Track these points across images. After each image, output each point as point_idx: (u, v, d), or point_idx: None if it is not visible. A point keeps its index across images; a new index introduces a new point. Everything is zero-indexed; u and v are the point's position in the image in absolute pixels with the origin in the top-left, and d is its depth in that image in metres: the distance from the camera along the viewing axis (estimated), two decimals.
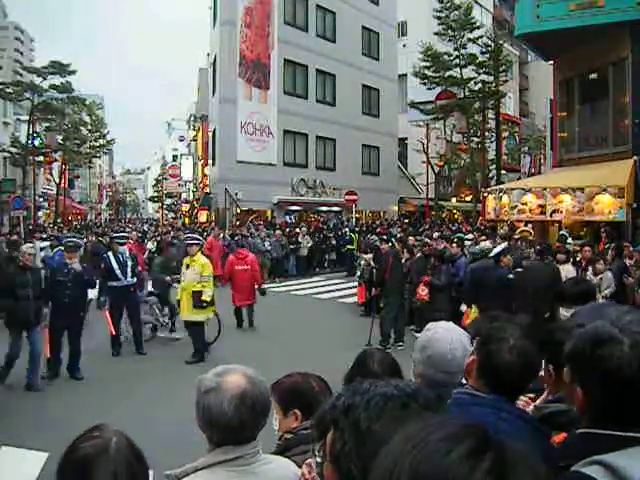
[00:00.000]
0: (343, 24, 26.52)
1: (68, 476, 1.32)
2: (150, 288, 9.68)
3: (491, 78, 24.36)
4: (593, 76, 13.09)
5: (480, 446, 0.63)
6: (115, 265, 8.15)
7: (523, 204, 11.92)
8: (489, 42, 24.70)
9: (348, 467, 0.89)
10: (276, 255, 16.87)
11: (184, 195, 44.86)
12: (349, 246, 18.62)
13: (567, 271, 7.53)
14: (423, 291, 8.85)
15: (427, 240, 10.79)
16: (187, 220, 35.75)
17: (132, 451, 1.36)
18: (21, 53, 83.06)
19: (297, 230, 19.40)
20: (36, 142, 28.57)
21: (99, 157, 44.26)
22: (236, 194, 22.31)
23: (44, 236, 15.31)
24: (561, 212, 11.32)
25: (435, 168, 27.98)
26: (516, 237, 10.84)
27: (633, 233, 10.88)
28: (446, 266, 9.11)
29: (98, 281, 7.96)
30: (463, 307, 8.09)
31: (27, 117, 29.05)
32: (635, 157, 11.04)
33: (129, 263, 8.25)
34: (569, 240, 10.70)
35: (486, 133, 25.48)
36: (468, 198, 29.28)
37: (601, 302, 5.20)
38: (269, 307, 10.68)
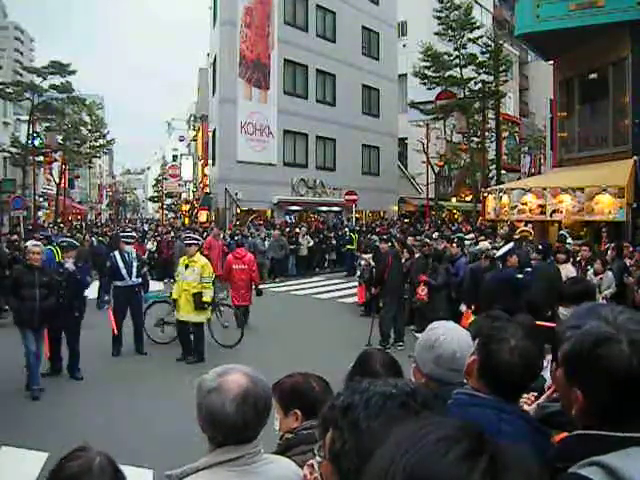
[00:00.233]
0: (343, 24, 26.52)
1: None
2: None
3: (491, 78, 24.33)
4: (593, 76, 13.08)
5: (476, 448, 0.63)
6: (121, 264, 8.15)
7: (523, 204, 11.91)
8: (489, 42, 24.68)
9: (348, 466, 0.89)
10: (274, 255, 16.85)
11: (184, 195, 44.77)
12: (349, 246, 18.61)
13: (567, 271, 7.54)
14: (423, 291, 8.85)
15: (427, 240, 10.79)
16: (187, 220, 35.72)
17: (114, 470, 1.51)
18: (21, 53, 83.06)
19: (297, 230, 19.41)
20: (36, 142, 28.52)
21: (99, 157, 44.16)
22: (236, 194, 22.29)
23: (35, 235, 15.22)
24: (561, 212, 11.31)
25: (435, 168, 27.95)
26: (516, 237, 10.84)
27: (633, 233, 10.88)
28: (444, 266, 9.11)
29: (96, 281, 7.95)
30: (463, 307, 8.10)
31: (27, 117, 29.01)
32: (635, 157, 11.04)
33: (134, 263, 8.26)
34: (569, 240, 10.71)
35: (486, 133, 25.44)
36: (468, 198, 29.28)
37: (597, 302, 5.20)
38: (269, 307, 10.68)
